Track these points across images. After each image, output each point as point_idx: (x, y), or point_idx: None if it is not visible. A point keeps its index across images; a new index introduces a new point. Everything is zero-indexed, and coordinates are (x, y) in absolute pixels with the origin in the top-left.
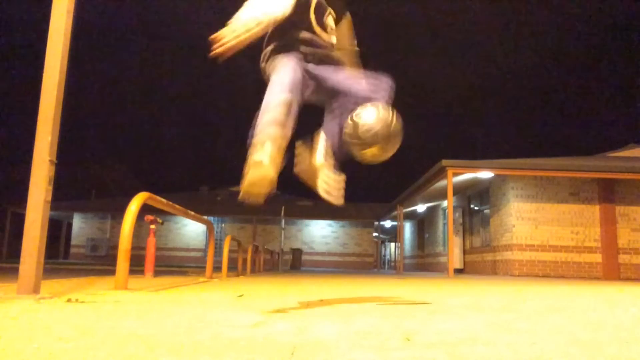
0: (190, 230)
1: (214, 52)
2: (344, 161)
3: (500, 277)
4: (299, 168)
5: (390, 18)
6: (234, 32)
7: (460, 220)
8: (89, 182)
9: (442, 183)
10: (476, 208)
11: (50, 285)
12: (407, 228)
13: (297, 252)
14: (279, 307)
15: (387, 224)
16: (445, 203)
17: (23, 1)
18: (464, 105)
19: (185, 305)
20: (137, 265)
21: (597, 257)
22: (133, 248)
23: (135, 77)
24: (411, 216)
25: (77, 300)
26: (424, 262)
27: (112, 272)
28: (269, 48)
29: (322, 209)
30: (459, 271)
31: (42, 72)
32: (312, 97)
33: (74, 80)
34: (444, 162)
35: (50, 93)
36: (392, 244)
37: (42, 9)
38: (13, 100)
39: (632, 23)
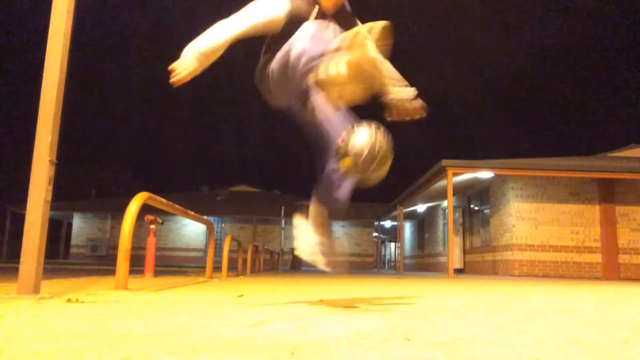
0: (190, 230)
1: (171, 81)
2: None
3: (500, 277)
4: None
5: (390, 18)
6: (185, 66)
7: (460, 220)
8: (89, 182)
9: (442, 183)
10: (476, 208)
11: (50, 285)
12: (407, 228)
13: None
14: (279, 307)
15: (387, 224)
16: (445, 203)
17: (23, 1)
18: (464, 105)
19: (185, 305)
20: (137, 265)
21: (597, 257)
22: (133, 248)
23: (135, 77)
24: (411, 216)
25: (77, 300)
26: (424, 262)
27: (112, 272)
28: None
29: None
30: (459, 271)
31: (42, 72)
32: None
33: (74, 81)
34: (444, 162)
35: (50, 93)
36: (392, 244)
37: (42, 9)
38: (13, 100)
39: (633, 22)
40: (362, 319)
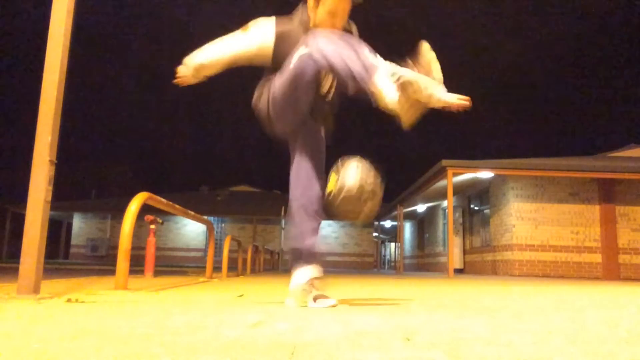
0: (190, 230)
1: (175, 81)
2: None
3: (500, 277)
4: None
5: (389, 17)
6: (183, 73)
7: (460, 220)
8: (89, 182)
9: (442, 183)
10: (476, 208)
11: (50, 285)
12: (407, 228)
13: None
14: (279, 307)
15: (387, 224)
16: (445, 203)
17: (23, 1)
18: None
19: (185, 305)
20: (137, 265)
21: (597, 257)
22: (133, 248)
23: (135, 76)
24: (411, 216)
25: (77, 300)
26: (424, 262)
27: (112, 272)
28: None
29: None
30: (459, 271)
31: (42, 72)
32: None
33: (74, 80)
34: (444, 162)
35: (50, 93)
36: (392, 244)
37: (42, 9)
38: (13, 100)
39: (633, 22)
40: (362, 319)
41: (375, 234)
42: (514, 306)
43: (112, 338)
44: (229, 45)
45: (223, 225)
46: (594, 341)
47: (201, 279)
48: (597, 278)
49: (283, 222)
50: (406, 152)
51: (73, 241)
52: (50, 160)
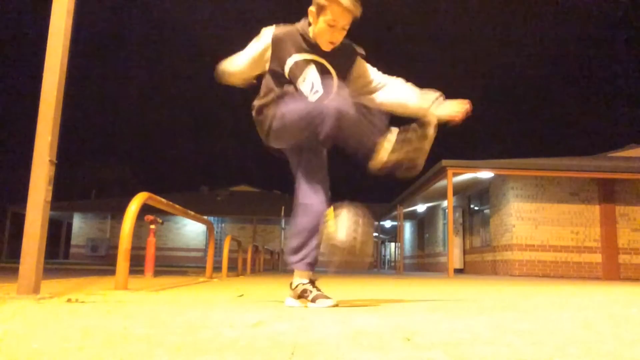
0: (190, 230)
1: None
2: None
3: (500, 277)
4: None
5: (388, 17)
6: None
7: (460, 220)
8: (89, 182)
9: (442, 183)
10: (476, 208)
11: (50, 285)
12: (407, 228)
13: None
14: (279, 307)
15: (387, 224)
16: (445, 203)
17: (23, 1)
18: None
19: (185, 305)
20: (137, 265)
21: (597, 257)
22: (133, 248)
23: (135, 76)
24: (411, 216)
25: (77, 300)
26: (424, 262)
27: (112, 272)
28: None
29: None
30: (459, 271)
31: (42, 72)
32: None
33: (74, 81)
34: (444, 162)
35: (50, 93)
36: (392, 244)
37: (42, 9)
38: (13, 100)
39: (633, 22)
40: (362, 319)
41: (375, 234)
42: (514, 306)
43: (112, 338)
44: (248, 51)
45: (223, 225)
46: (594, 341)
47: (201, 279)
48: (597, 278)
49: (283, 222)
50: None
51: (73, 241)
52: (50, 160)
